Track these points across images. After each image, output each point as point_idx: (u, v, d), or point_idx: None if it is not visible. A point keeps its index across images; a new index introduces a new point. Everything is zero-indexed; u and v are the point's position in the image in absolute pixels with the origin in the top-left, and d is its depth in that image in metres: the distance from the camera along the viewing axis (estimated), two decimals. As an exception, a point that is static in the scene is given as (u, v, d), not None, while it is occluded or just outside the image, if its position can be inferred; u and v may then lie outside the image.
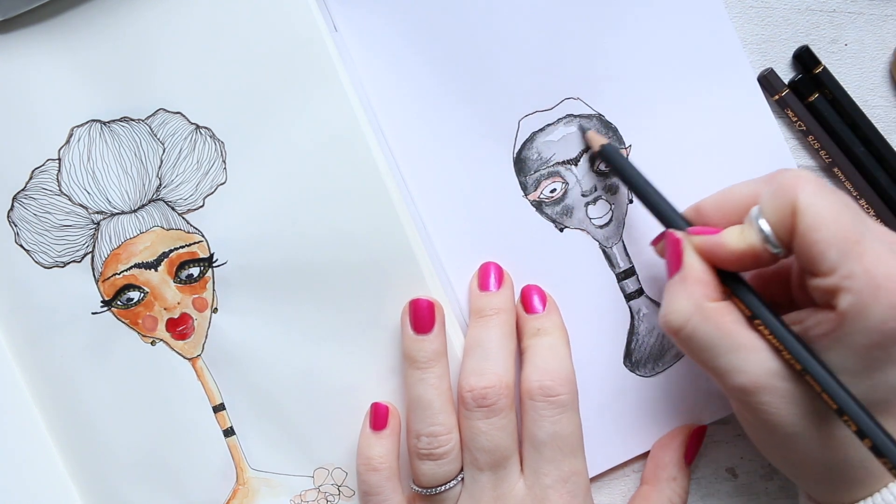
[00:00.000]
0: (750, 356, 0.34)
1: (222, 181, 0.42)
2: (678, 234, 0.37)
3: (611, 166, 0.42)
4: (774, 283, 0.38)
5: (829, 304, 0.33)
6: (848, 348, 0.32)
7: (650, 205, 0.39)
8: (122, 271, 0.42)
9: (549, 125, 0.42)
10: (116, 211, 0.42)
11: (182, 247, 0.42)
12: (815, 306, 0.34)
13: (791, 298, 0.37)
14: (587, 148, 0.42)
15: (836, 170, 0.43)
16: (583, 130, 0.42)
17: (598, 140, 0.41)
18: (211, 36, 0.40)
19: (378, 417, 0.41)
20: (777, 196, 0.33)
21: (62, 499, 0.42)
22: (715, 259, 0.35)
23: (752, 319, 0.35)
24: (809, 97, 0.43)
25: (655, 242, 0.40)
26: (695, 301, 0.35)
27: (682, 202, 0.38)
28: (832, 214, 0.32)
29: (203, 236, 0.42)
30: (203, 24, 0.40)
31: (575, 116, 0.42)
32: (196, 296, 0.42)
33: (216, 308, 0.42)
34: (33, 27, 0.41)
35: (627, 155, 0.43)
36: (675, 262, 0.36)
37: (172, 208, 0.42)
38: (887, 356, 0.32)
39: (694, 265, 0.36)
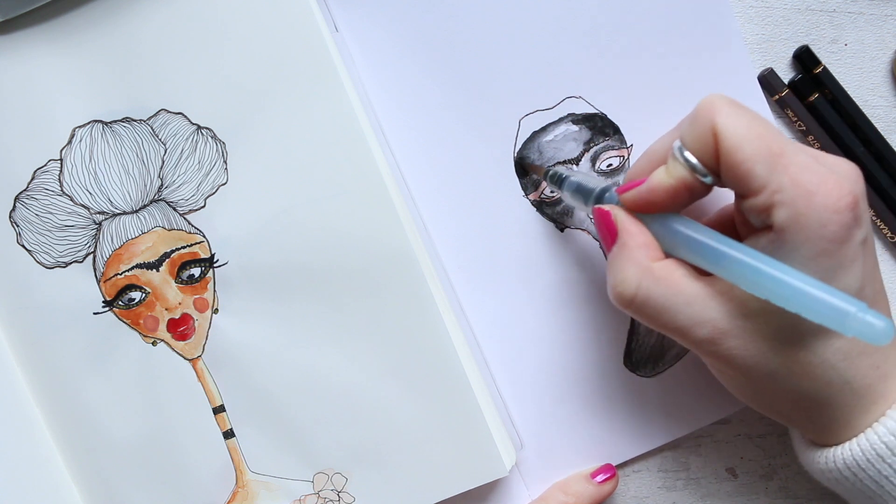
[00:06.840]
0: (706, 304, 0.33)
1: (223, 181, 0.42)
2: (605, 206, 0.36)
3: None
4: (720, 229, 0.37)
5: (766, 225, 0.32)
6: (796, 264, 0.31)
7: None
8: (124, 271, 0.42)
9: (550, 124, 0.42)
10: (118, 211, 0.42)
11: (183, 247, 0.42)
12: (756, 232, 0.33)
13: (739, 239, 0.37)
14: (588, 147, 0.43)
15: (835, 170, 0.43)
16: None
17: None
18: (212, 37, 0.41)
19: None
20: (695, 124, 0.33)
21: (62, 499, 0.42)
22: (650, 205, 0.34)
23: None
24: (809, 97, 0.43)
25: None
26: (641, 264, 0.34)
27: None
28: (753, 131, 0.31)
29: (204, 237, 0.42)
30: (204, 24, 0.40)
31: (577, 115, 0.42)
32: (197, 296, 0.42)
33: (217, 309, 0.42)
34: (35, 27, 0.41)
35: (629, 154, 0.43)
36: (609, 235, 0.36)
37: (174, 209, 0.42)
38: (837, 262, 0.31)
39: (629, 229, 0.35)
